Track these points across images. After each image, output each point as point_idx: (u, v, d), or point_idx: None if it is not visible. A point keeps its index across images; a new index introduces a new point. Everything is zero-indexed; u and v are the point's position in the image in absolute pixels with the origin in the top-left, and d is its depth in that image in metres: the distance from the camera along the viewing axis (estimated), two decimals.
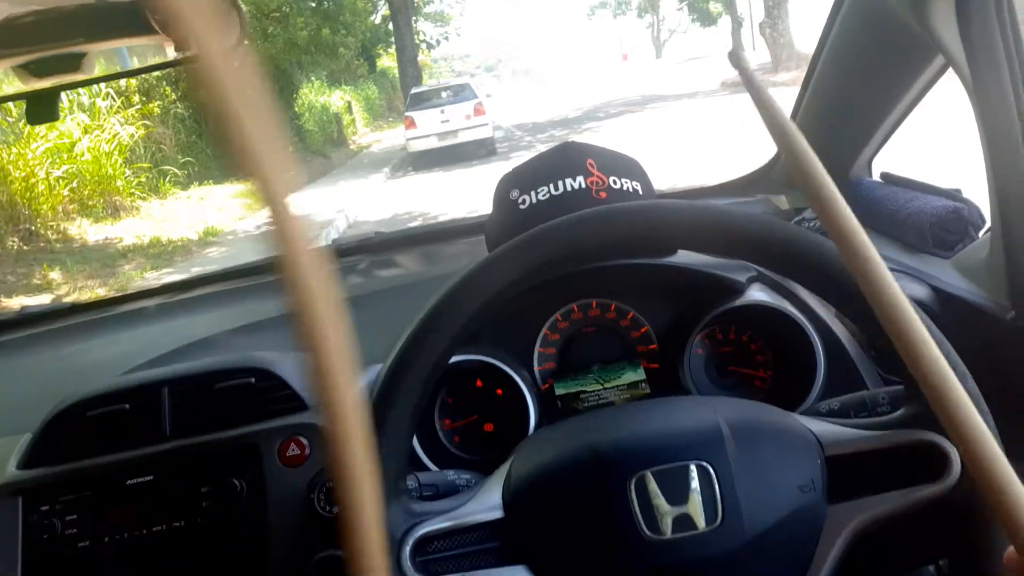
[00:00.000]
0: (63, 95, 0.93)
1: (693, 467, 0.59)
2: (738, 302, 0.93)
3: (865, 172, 1.28)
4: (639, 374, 0.98)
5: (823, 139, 1.28)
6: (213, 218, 8.80)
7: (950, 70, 0.99)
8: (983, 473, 0.29)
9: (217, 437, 0.86)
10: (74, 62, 0.96)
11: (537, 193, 0.95)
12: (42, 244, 7.41)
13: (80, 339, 1.30)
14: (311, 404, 0.88)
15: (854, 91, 1.16)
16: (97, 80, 0.93)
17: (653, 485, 0.59)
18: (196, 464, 0.85)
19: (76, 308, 1.42)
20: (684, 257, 0.97)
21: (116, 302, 1.43)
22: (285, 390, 0.88)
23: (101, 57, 1.02)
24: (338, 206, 8.90)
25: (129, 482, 0.84)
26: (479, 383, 0.99)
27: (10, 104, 7.71)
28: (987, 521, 0.58)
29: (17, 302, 5.96)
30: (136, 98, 9.89)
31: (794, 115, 1.32)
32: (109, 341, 1.28)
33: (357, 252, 1.48)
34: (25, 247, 7.23)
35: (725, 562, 0.58)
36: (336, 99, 18.21)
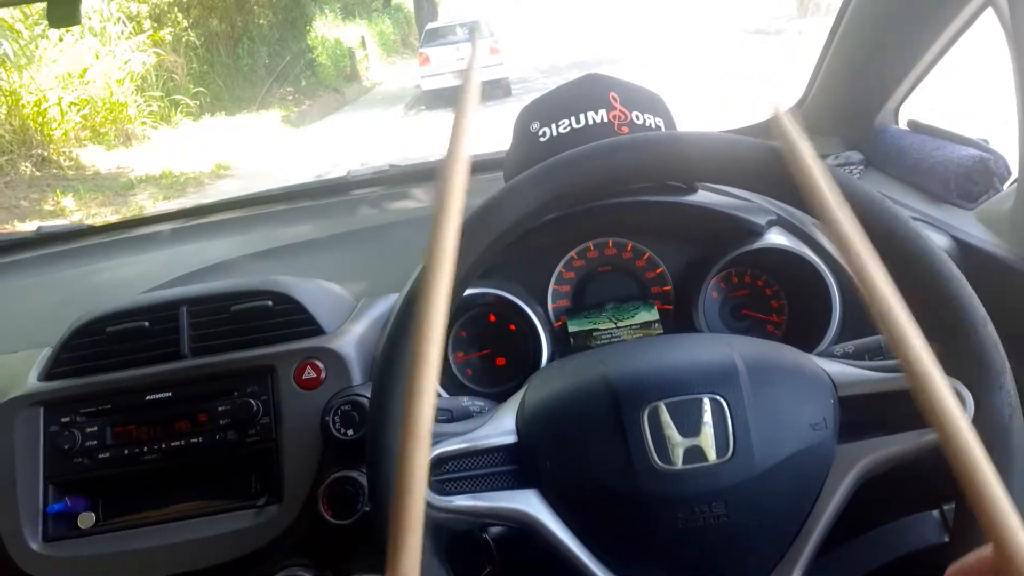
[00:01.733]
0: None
1: (707, 400, 0.60)
2: (756, 245, 0.93)
3: (892, 119, 1.26)
4: (653, 314, 0.98)
5: (850, 85, 1.25)
6: (225, 150, 8.75)
7: (986, 13, 0.97)
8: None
9: (234, 357, 0.87)
10: None
11: (558, 126, 0.94)
12: (55, 170, 7.42)
13: (98, 259, 1.31)
14: (327, 329, 0.89)
15: (885, 34, 1.13)
16: None
17: (666, 416, 0.59)
18: (213, 383, 0.87)
19: (94, 229, 1.42)
20: (703, 197, 0.96)
21: (134, 224, 1.44)
22: (302, 314, 0.89)
23: None
24: (351, 141, 8.84)
25: (148, 397, 0.86)
26: (492, 318, 0.99)
27: (20, 27, 7.63)
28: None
29: (31, 227, 5.99)
30: (147, 24, 9.74)
31: (821, 60, 1.29)
32: (127, 262, 1.29)
33: (371, 184, 1.47)
34: (38, 172, 7.24)
35: (734, 494, 0.59)
36: (350, 33, 17.87)
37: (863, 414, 0.62)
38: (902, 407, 0.61)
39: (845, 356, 0.72)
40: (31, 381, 0.88)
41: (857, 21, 1.16)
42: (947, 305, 0.59)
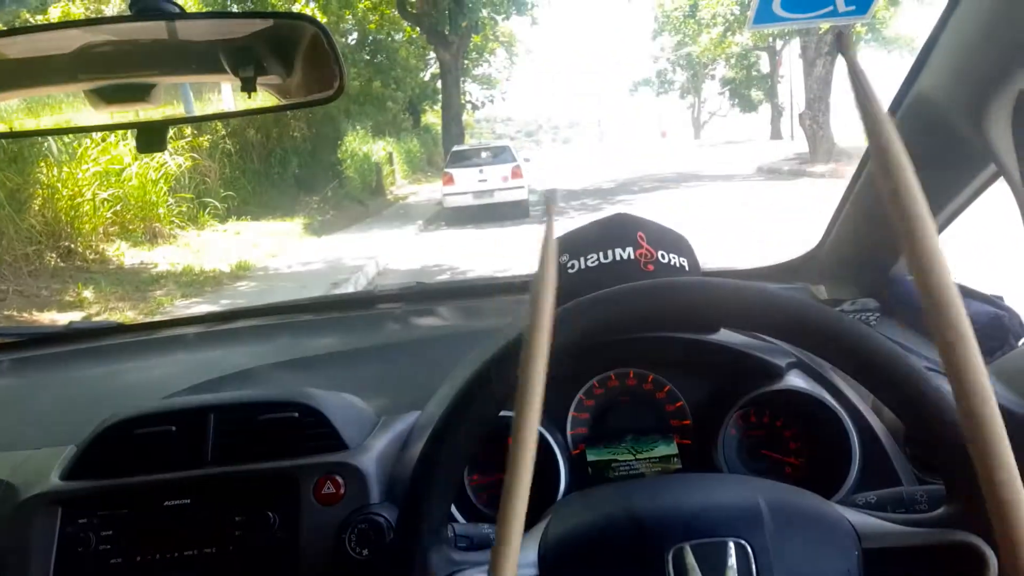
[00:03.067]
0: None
1: (731, 544, 0.60)
2: (776, 386, 0.94)
3: (907, 271, 1.29)
4: (672, 448, 0.98)
5: (868, 235, 1.30)
6: (247, 253, 8.97)
7: (1001, 179, 1.02)
8: None
9: (256, 467, 0.87)
10: (143, 92, 1.01)
11: (587, 259, 0.98)
12: (79, 263, 7.58)
13: (125, 359, 1.33)
14: (350, 444, 0.89)
15: None
16: (209, 118, 0.99)
17: (691, 559, 0.59)
18: (233, 492, 0.86)
19: (123, 328, 1.46)
20: (725, 336, 0.98)
21: (162, 326, 1.47)
22: (326, 427, 0.90)
23: (164, 91, 1.08)
24: (370, 253, 9.04)
25: (167, 503, 0.86)
26: (511, 441, 0.99)
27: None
28: None
29: (48, 317, 6.08)
30: (188, 130, 10.21)
31: (841, 208, 1.34)
32: (154, 363, 1.31)
33: (397, 300, 1.51)
34: (62, 264, 7.39)
35: None
36: (378, 149, 18.63)
37: (887, 569, 0.61)
38: (926, 563, 0.61)
39: (868, 506, 0.71)
40: (52, 480, 0.88)
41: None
42: (968, 463, 0.59)
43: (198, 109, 1.09)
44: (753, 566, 0.59)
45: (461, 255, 8.65)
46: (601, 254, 0.98)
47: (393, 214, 14.37)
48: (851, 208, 1.30)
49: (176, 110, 1.01)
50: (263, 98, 0.93)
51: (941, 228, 1.18)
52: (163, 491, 0.86)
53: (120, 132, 7.66)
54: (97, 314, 6.26)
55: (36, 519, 0.84)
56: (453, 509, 0.92)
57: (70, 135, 7.71)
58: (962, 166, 1.03)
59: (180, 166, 9.58)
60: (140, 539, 0.85)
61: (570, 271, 0.98)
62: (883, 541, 0.62)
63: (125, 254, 8.13)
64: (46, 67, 0.98)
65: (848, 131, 15.66)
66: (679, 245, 1.01)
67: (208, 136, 10.79)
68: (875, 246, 1.30)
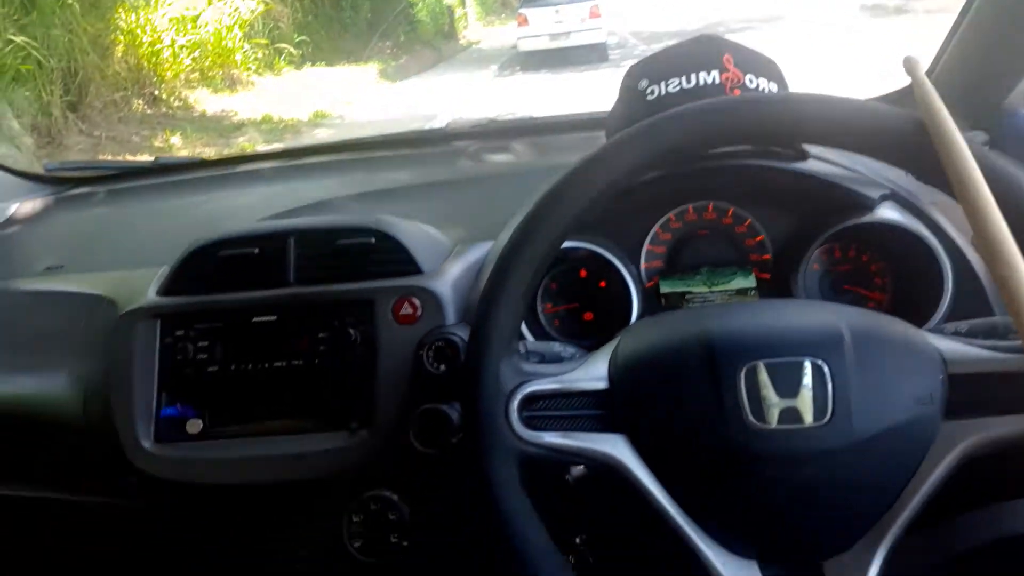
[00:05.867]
0: None
1: (808, 364, 0.59)
2: (866, 219, 0.90)
3: (1022, 102, 1.19)
4: (750, 281, 0.96)
5: (979, 65, 1.19)
6: (323, 100, 8.97)
7: None
8: None
9: (336, 289, 0.90)
10: None
11: (668, 84, 0.93)
12: (165, 110, 7.76)
13: (209, 190, 1.37)
14: (425, 269, 0.91)
15: (1019, 11, 1.06)
16: None
17: (764, 376, 0.59)
18: (316, 311, 0.90)
19: (206, 163, 1.50)
20: (813, 165, 0.93)
21: (243, 160, 1.50)
22: (402, 253, 0.92)
23: None
24: (445, 99, 8.90)
25: (255, 319, 0.90)
26: (584, 273, 1.00)
27: None
28: None
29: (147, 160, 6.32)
30: None
31: (951, 37, 1.22)
32: (235, 194, 1.35)
33: (470, 136, 1.49)
34: (149, 111, 7.58)
35: (827, 459, 0.58)
36: None
37: (974, 393, 0.60)
38: (1014, 389, 0.59)
39: (957, 334, 0.69)
40: (150, 295, 0.94)
41: None
42: None
43: None
44: (830, 386, 0.58)
45: (537, 101, 8.42)
46: (684, 78, 0.92)
47: (467, 59, 14.01)
48: (962, 37, 1.19)
49: None
50: None
51: None
52: (251, 308, 0.91)
53: None
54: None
55: (138, 329, 0.91)
56: (528, 334, 0.95)
57: None
58: None
59: (253, 11, 9.46)
60: (233, 351, 0.90)
61: (649, 97, 0.94)
62: (971, 367, 0.61)
63: (207, 101, 8.25)
64: None
65: None
66: (769, 69, 0.95)
67: None
68: (986, 77, 1.19)
